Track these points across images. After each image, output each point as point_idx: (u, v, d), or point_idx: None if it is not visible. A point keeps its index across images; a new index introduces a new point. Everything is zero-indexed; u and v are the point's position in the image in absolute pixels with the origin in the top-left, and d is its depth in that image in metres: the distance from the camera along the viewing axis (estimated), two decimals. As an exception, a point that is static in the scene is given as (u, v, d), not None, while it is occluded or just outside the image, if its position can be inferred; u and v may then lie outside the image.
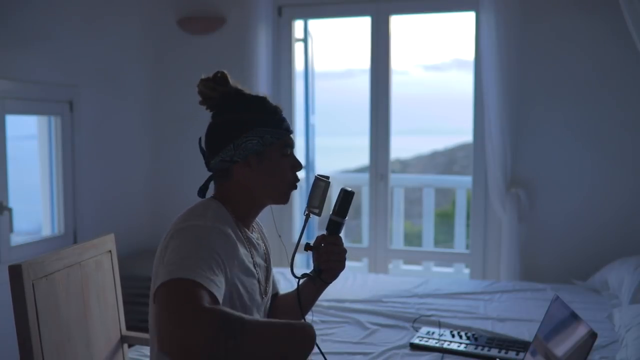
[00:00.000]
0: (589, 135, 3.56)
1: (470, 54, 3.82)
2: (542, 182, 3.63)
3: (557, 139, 3.60)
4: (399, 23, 6.24)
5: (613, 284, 3.02)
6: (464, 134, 5.33)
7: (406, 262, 4.85)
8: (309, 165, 4.45)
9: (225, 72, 1.47)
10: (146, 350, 2.26)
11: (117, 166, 3.83)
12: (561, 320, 1.52)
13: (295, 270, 1.50)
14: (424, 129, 17.46)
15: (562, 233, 3.61)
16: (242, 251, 1.40)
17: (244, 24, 3.86)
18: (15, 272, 1.62)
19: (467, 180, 4.52)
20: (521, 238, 3.58)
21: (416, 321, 2.66)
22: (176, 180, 4.11)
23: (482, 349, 2.29)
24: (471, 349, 2.30)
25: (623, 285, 2.88)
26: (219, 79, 1.46)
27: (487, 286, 3.27)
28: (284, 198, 1.48)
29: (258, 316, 1.45)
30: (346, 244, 1.56)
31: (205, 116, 1.50)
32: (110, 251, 2.08)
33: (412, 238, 6.90)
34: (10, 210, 2.92)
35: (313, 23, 4.31)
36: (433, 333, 2.47)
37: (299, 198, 4.26)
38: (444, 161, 14.44)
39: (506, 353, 2.25)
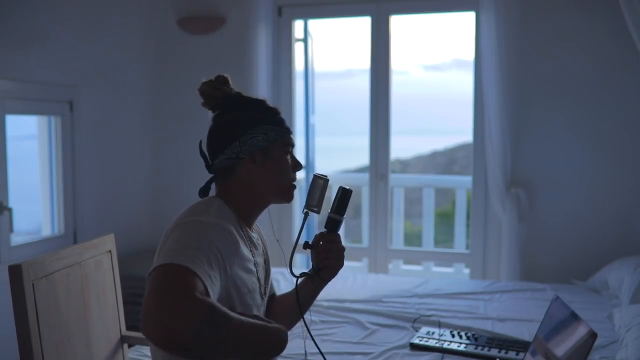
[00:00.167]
0: (589, 135, 3.56)
1: (470, 54, 3.82)
2: (542, 182, 3.63)
3: (557, 139, 3.60)
4: (399, 23, 6.25)
5: (613, 284, 3.02)
6: (464, 134, 5.33)
7: (406, 262, 4.85)
8: (309, 165, 4.44)
9: (227, 75, 1.50)
10: (146, 350, 2.26)
11: (117, 166, 3.83)
12: (561, 320, 1.52)
13: (293, 270, 1.50)
14: (424, 129, 17.44)
15: (562, 233, 3.61)
16: (244, 249, 1.40)
17: (244, 24, 3.86)
18: (15, 272, 1.62)
19: (467, 180, 4.52)
20: (521, 238, 3.58)
21: (416, 321, 2.66)
22: (176, 180, 4.10)
23: (482, 349, 2.29)
24: (471, 349, 2.30)
25: (623, 285, 2.88)
26: (222, 80, 1.48)
27: (487, 286, 3.27)
28: (286, 196, 1.49)
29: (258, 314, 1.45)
30: (346, 244, 1.56)
31: (205, 116, 1.51)
32: (110, 251, 2.08)
33: (412, 238, 6.89)
34: (10, 210, 2.92)
35: (313, 23, 4.31)
36: (433, 333, 2.47)
37: (298, 197, 4.26)
38: (444, 161, 14.43)
39: (506, 353, 2.25)
